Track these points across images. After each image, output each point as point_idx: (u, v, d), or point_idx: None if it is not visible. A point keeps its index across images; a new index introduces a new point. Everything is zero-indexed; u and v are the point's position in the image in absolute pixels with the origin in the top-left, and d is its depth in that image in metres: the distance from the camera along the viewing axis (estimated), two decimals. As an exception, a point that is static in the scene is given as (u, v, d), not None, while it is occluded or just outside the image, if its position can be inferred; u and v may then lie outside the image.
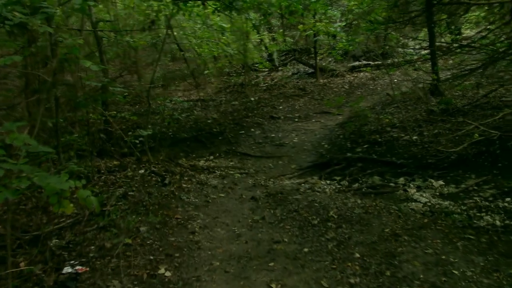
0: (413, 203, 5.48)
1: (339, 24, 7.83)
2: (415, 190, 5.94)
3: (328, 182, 6.86)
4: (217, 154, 9.31)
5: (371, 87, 13.28)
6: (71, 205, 3.68)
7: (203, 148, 9.82)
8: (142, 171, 6.22)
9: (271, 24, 17.58)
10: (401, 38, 16.51)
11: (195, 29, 16.74)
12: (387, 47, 16.25)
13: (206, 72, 15.04)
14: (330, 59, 16.12)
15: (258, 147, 9.38)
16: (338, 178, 7.04)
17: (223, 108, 12.13)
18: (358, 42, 7.91)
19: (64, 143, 6.08)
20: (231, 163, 8.70)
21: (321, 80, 13.99)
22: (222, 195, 5.84)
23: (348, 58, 15.57)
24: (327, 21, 9.32)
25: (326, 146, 8.60)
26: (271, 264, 3.80)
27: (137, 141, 7.28)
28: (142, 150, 7.79)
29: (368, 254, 3.80)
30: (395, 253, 3.75)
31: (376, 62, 15.32)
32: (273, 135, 9.92)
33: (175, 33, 15.57)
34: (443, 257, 3.65)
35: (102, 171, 6.01)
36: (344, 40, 15.16)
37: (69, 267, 3.75)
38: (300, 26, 7.47)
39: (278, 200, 5.51)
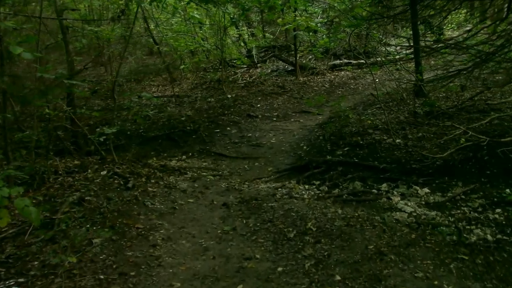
0: (398, 212, 5.09)
1: (321, 20, 7.41)
2: (399, 198, 5.55)
3: (306, 187, 6.43)
4: (190, 154, 8.80)
5: (352, 87, 12.93)
6: (8, 217, 3.17)
7: (175, 147, 9.30)
8: (104, 172, 5.68)
9: (250, 20, 17.09)
10: (382, 37, 16.25)
11: (171, 22, 16.18)
12: (369, 46, 15.94)
13: (182, 67, 14.47)
14: (310, 57, 15.71)
15: (233, 147, 8.90)
16: (317, 182, 6.62)
17: (198, 105, 11.60)
18: (339, 39, 7.45)
19: (16, 141, 5.51)
20: (204, 163, 8.22)
21: (301, 78, 13.57)
22: (191, 200, 5.35)
23: (328, 56, 15.19)
24: (308, 15, 8.87)
25: (305, 147, 8.17)
26: (240, 286, 3.33)
27: (102, 139, 6.72)
28: (108, 149, 7.25)
29: (350, 276, 3.36)
30: (380, 276, 3.32)
31: (357, 61, 14.98)
32: (250, 134, 9.46)
33: (150, 26, 14.96)
34: (436, 282, 3.23)
35: (60, 172, 5.44)
36: (325, 37, 14.79)
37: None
38: (280, 20, 7.02)
39: (252, 207, 5.05)
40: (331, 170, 6.91)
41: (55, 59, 9.86)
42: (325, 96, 10.09)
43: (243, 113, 10.73)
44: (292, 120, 10.25)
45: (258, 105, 11.30)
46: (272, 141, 8.93)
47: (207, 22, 15.65)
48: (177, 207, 4.96)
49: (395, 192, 5.84)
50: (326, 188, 6.30)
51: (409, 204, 5.36)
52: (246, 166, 7.83)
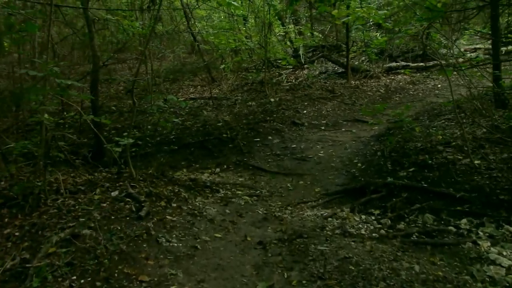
0: (491, 266, 3.85)
1: (385, 12, 6.22)
2: (489, 244, 4.28)
3: (363, 217, 5.26)
4: (225, 166, 7.79)
5: (411, 92, 11.56)
6: None
7: (209, 157, 8.32)
8: (116, 193, 4.71)
9: (297, 16, 15.96)
10: (446, 38, 14.73)
11: (213, 18, 15.29)
12: (431, 46, 14.46)
13: (222, 66, 13.52)
14: (363, 58, 14.42)
15: (275, 160, 7.81)
16: (376, 212, 5.43)
17: (237, 109, 10.58)
18: (408, 35, 6.14)
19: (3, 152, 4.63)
20: (240, 179, 7.18)
21: (353, 82, 12.32)
22: (219, 235, 4.29)
23: (383, 58, 13.84)
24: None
25: (359, 165, 6.97)
26: None
27: (120, 149, 5.78)
28: (133, 157, 6.33)
29: None
30: None
31: (416, 64, 13.57)
32: (294, 145, 8.34)
33: (190, 21, 14.12)
34: None
35: (62, 191, 4.52)
36: (381, 37, 13.45)
37: None
38: (335, 12, 5.88)
39: (295, 250, 3.94)
40: (394, 196, 5.69)
41: (79, 56, 9.11)
42: (381, 103, 8.80)
43: (287, 120, 9.61)
44: (343, 129, 9.04)
45: (305, 111, 10.15)
46: (320, 154, 7.77)
47: (251, 18, 14.67)
48: (199, 246, 3.91)
49: (481, 233, 4.57)
50: (389, 221, 5.10)
51: (504, 253, 4.09)
52: (289, 185, 6.73)
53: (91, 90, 8.06)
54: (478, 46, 15.88)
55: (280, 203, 6.00)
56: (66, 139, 6.04)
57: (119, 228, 3.85)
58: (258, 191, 6.52)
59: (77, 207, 4.17)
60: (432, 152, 6.51)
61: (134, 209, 4.33)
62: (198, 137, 9.09)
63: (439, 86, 12.02)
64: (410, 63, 13.44)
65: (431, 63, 13.65)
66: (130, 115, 8.55)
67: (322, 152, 7.88)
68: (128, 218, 4.12)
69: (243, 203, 5.78)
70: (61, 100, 6.66)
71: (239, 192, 6.47)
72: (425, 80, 12.57)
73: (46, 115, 4.24)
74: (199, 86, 14.09)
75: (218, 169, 7.70)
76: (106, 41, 9.90)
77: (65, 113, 5.26)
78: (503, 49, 12.95)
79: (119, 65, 20.86)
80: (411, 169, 6.24)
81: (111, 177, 5.47)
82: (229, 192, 6.39)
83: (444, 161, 6.23)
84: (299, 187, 6.63)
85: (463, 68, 6.96)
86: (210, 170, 7.74)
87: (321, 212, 5.49)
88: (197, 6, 11.78)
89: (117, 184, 5.06)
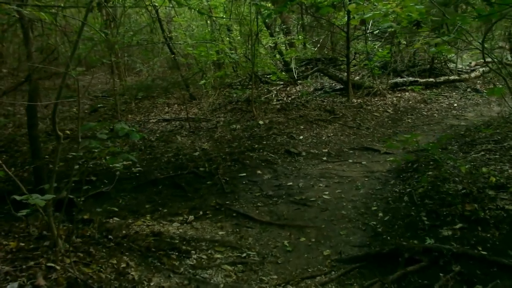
0: None
1: (422, 7, 4.66)
2: None
3: (402, 309, 3.57)
4: (201, 212, 6.06)
5: (425, 113, 10.00)
6: None
7: (181, 199, 6.59)
8: (15, 286, 2.95)
9: (288, 25, 14.42)
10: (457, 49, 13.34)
11: (193, 27, 13.69)
12: (440, 60, 13.05)
13: (202, 82, 11.85)
14: (363, 73, 12.87)
15: (266, 204, 6.10)
16: (419, 298, 3.74)
17: (218, 133, 8.88)
18: (464, 31, 4.51)
19: None
20: (220, 232, 5.45)
21: (354, 100, 10.73)
22: None
23: (387, 72, 12.31)
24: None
25: (381, 214, 5.29)
26: None
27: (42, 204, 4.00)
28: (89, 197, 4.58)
29: None
30: None
31: (425, 80, 12.06)
32: (290, 183, 6.65)
33: (166, 30, 12.49)
34: None
35: None
36: (379, 49, 11.96)
37: None
38: (352, 7, 4.26)
39: None
40: (440, 268, 4.02)
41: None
42: (416, 134, 7.10)
43: (280, 148, 7.93)
44: (350, 161, 7.38)
45: (301, 137, 8.48)
46: (324, 196, 6.08)
47: (235, 28, 13.08)
48: None
49: None
50: (445, 319, 3.40)
51: None
52: (286, 243, 5.01)
53: (27, 109, 6.43)
54: (488, 60, 14.49)
55: (275, 276, 4.29)
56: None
57: None
58: (245, 254, 4.80)
59: None
60: (482, 200, 4.86)
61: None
62: (168, 170, 7.36)
63: (455, 105, 10.50)
64: (418, 79, 11.91)
65: (441, 79, 12.16)
66: (53, 156, 6.76)
67: (327, 192, 6.19)
68: None
69: (222, 280, 4.06)
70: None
71: (218, 256, 4.76)
72: (437, 98, 11.05)
73: None
74: (175, 105, 12.37)
75: (191, 217, 5.95)
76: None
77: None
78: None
79: (89, 79, 19.15)
80: (457, 226, 4.57)
81: (24, 247, 3.70)
82: (203, 257, 4.69)
83: (501, 213, 4.58)
84: (301, 247, 4.91)
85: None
86: (181, 218, 5.99)
87: (337, 297, 3.79)
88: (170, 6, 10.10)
89: (24, 266, 3.29)
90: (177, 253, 4.71)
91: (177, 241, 5.08)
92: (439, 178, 5.54)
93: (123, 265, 3.83)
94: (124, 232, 5.15)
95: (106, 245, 4.23)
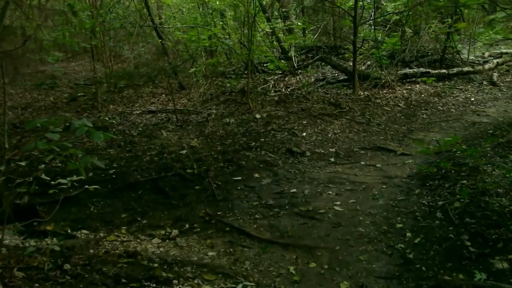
0: None
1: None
2: None
3: None
4: (187, 225, 5.09)
5: (440, 108, 9.05)
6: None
7: (164, 207, 5.60)
8: None
9: (287, 10, 13.39)
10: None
11: (183, 10, 12.63)
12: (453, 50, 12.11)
13: (192, 70, 10.81)
14: (368, 63, 11.90)
15: (265, 216, 5.13)
16: None
17: (209, 128, 7.87)
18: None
19: None
20: (210, 253, 4.48)
21: (361, 92, 9.76)
22: None
23: (395, 62, 11.33)
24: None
25: (408, 234, 4.33)
26: None
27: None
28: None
29: None
30: None
31: (438, 71, 11.11)
32: (293, 189, 5.67)
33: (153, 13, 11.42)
34: None
35: None
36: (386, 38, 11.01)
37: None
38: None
39: None
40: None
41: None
42: (457, 137, 6.10)
43: (281, 146, 6.95)
44: (362, 163, 6.42)
45: (304, 134, 7.50)
46: (336, 207, 5.12)
47: (229, 11, 12.06)
48: None
49: None
50: None
51: None
52: (292, 270, 4.04)
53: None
54: (504, 50, 13.60)
55: (281, 322, 3.33)
56: None
57: None
58: (241, 286, 3.82)
59: None
60: (537, 219, 3.92)
61: None
62: (150, 172, 6.35)
63: (472, 99, 9.56)
64: (430, 70, 10.96)
65: (454, 70, 11.22)
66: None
67: (338, 203, 5.22)
68: None
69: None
70: None
71: (207, 287, 3.78)
72: (452, 92, 10.11)
73: None
74: (163, 95, 11.33)
75: (175, 231, 4.96)
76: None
77: None
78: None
79: (71, 67, 18.01)
80: (510, 256, 3.63)
81: None
82: (188, 289, 3.71)
83: None
84: (311, 277, 3.95)
85: None
86: (163, 232, 5.01)
87: None
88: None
89: None
90: (154, 285, 3.74)
91: (157, 265, 4.11)
92: (477, 189, 4.60)
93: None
94: (91, 251, 4.19)
95: (59, 281, 3.24)
